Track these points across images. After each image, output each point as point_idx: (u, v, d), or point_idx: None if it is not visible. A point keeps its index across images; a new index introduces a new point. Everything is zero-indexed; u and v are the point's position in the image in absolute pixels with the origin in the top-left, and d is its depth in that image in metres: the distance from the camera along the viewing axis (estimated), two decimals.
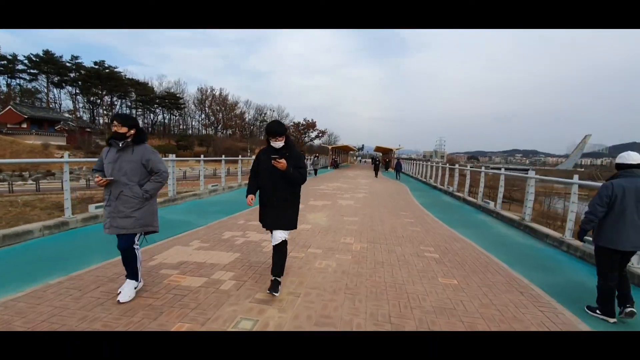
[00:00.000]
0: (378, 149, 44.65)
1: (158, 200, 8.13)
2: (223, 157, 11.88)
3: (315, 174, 21.38)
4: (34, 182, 32.68)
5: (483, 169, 10.28)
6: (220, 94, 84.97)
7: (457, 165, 13.14)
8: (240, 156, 14.86)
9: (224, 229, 5.83)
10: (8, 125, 43.63)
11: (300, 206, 8.04)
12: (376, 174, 24.15)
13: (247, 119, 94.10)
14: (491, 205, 9.19)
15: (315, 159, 23.29)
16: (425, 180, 19.37)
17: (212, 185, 10.77)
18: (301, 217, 7.46)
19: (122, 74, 68.17)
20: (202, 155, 10.10)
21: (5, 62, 54.67)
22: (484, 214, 9.08)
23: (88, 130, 50.91)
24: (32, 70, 59.01)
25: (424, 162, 23.86)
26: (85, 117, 68.13)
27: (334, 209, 8.47)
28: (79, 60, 63.37)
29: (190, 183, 38.49)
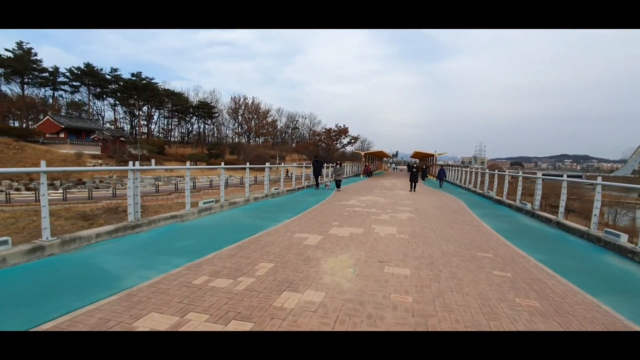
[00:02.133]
0: (416, 154, 40.44)
1: (107, 229, 5.54)
2: (222, 164, 9.26)
3: (338, 187, 15.78)
4: (62, 191, 32.51)
5: (599, 179, 6.73)
6: (252, 102, 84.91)
7: (539, 173, 9.53)
8: (268, 163, 12.19)
9: (157, 300, 3.00)
10: (46, 135, 44.97)
11: (317, 238, 4.93)
12: (412, 187, 16.74)
13: (278, 127, 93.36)
14: (622, 239, 5.66)
15: (338, 167, 16.43)
16: (481, 191, 15.64)
17: (205, 202, 8.12)
18: (313, 266, 4.10)
19: (158, 84, 69.70)
20: (187, 164, 7.48)
21: (47, 74, 57.25)
22: (613, 254, 5.57)
23: (122, 139, 51.60)
24: (73, 83, 61.57)
25: (471, 169, 20.00)
26: (126, 127, 70.32)
27: (368, 244, 5.41)
28: (118, 73, 65.51)
29: (217, 192, 37.04)
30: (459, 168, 25.35)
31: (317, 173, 16.28)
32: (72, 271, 3.91)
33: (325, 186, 16.63)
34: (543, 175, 10.11)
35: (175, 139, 77.50)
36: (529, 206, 9.84)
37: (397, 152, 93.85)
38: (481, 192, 15.56)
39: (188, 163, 7.69)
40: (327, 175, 19.74)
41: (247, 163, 10.50)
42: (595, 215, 6.58)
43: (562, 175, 7.86)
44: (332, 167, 19.24)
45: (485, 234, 6.72)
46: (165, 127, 77.39)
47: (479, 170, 17.48)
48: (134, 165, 6.15)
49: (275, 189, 12.55)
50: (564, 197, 7.95)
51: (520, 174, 11.04)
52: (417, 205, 10.69)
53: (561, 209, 7.94)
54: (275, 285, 3.52)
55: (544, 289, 3.73)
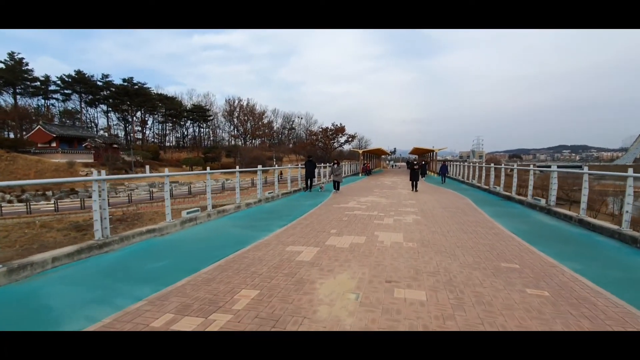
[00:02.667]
0: (416, 150, 39.56)
1: (68, 251, 4.75)
2: (207, 169, 8.45)
3: (337, 188, 14.56)
4: (54, 202, 31.63)
5: (630, 171, 5.97)
6: (247, 104, 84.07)
7: (554, 166, 8.76)
8: (260, 166, 11.41)
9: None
10: (38, 145, 44.05)
11: (313, 252, 4.19)
12: (414, 187, 15.12)
13: (275, 128, 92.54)
14: None
15: (335, 167, 15.02)
16: (487, 187, 14.90)
17: (189, 212, 7.35)
18: (307, 292, 3.21)
19: (151, 89, 68.73)
20: (166, 170, 6.72)
21: (38, 83, 56.30)
22: None
23: (115, 146, 50.69)
24: (65, 91, 60.59)
25: (474, 164, 19.29)
26: (120, 134, 69.32)
27: (372, 257, 4.63)
28: (110, 79, 64.54)
29: (217, 196, 36.16)
30: (461, 163, 24.63)
31: (310, 175, 14.60)
32: (7, 311, 3.13)
33: (320, 188, 15.16)
34: (555, 167, 9.36)
35: (171, 144, 76.61)
36: (543, 202, 9.08)
37: (395, 148, 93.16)
38: (487, 187, 14.81)
39: (167, 170, 6.93)
40: (324, 176, 18.89)
41: (237, 167, 9.73)
42: (627, 212, 5.82)
43: (581, 167, 7.12)
44: (329, 166, 18.13)
45: (503, 237, 5.95)
46: (160, 132, 76.47)
47: (483, 164, 16.72)
48: (99, 174, 5.39)
49: (269, 193, 11.78)
50: (585, 191, 7.22)
51: (532, 167, 10.27)
52: (422, 206, 9.92)
53: (583, 205, 7.19)
54: (257, 325, 2.74)
55: (596, 314, 2.97)
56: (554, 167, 8.64)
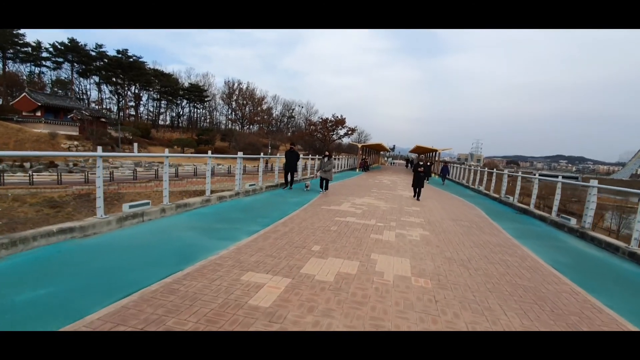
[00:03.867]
0: (418, 149, 37.76)
1: None
2: (166, 151, 6.77)
3: (325, 187, 11.53)
4: (29, 174, 29.66)
5: None
6: (247, 88, 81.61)
7: (593, 182, 7.16)
8: (240, 153, 9.63)
9: None
10: (23, 113, 41.73)
11: (279, 288, 3.50)
12: (417, 194, 11.65)
13: (274, 114, 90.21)
14: None
15: (325, 160, 11.75)
16: (497, 196, 13.37)
17: (132, 206, 5.68)
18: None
19: (146, 64, 65.98)
20: (99, 150, 4.96)
21: (29, 49, 53.49)
22: None
23: (103, 120, 48.37)
24: (57, 59, 57.78)
25: (482, 169, 17.77)
26: (113, 108, 66.64)
27: (367, 307, 3.03)
28: (103, 49, 61.71)
29: (201, 181, 34.38)
30: (460, 166, 23.12)
31: (291, 168, 11.76)
32: None
33: (306, 186, 12.10)
34: (565, 178, 7.77)
35: (165, 123, 74.12)
36: (573, 222, 7.55)
37: (394, 145, 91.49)
38: (497, 196, 13.28)
39: (100, 149, 5.21)
40: (317, 169, 17.15)
41: (210, 152, 8.06)
42: None
43: (577, 179, 5.55)
44: (318, 158, 15.09)
45: (545, 275, 4.39)
46: (154, 110, 73.88)
47: (494, 170, 15.16)
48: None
49: (250, 185, 10.14)
50: None
51: (560, 179, 8.70)
52: (428, 215, 8.34)
53: (636, 235, 5.65)
54: None
55: None
56: (593, 183, 7.03)
